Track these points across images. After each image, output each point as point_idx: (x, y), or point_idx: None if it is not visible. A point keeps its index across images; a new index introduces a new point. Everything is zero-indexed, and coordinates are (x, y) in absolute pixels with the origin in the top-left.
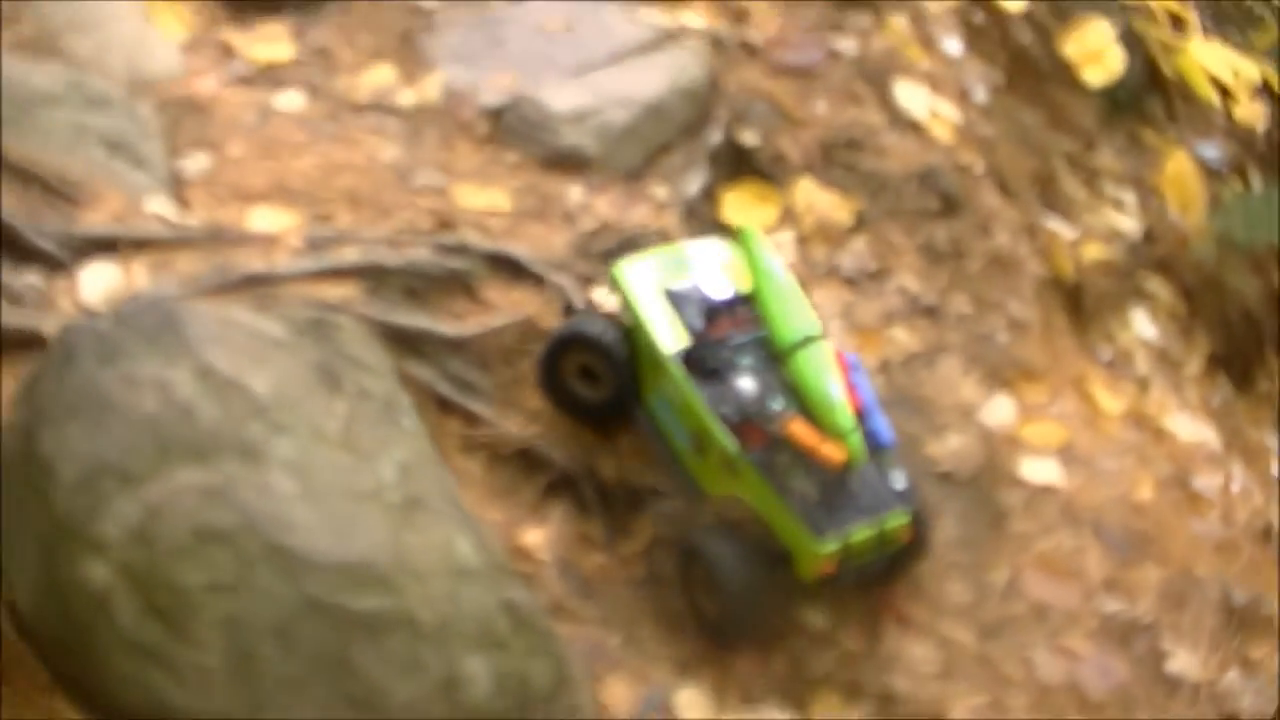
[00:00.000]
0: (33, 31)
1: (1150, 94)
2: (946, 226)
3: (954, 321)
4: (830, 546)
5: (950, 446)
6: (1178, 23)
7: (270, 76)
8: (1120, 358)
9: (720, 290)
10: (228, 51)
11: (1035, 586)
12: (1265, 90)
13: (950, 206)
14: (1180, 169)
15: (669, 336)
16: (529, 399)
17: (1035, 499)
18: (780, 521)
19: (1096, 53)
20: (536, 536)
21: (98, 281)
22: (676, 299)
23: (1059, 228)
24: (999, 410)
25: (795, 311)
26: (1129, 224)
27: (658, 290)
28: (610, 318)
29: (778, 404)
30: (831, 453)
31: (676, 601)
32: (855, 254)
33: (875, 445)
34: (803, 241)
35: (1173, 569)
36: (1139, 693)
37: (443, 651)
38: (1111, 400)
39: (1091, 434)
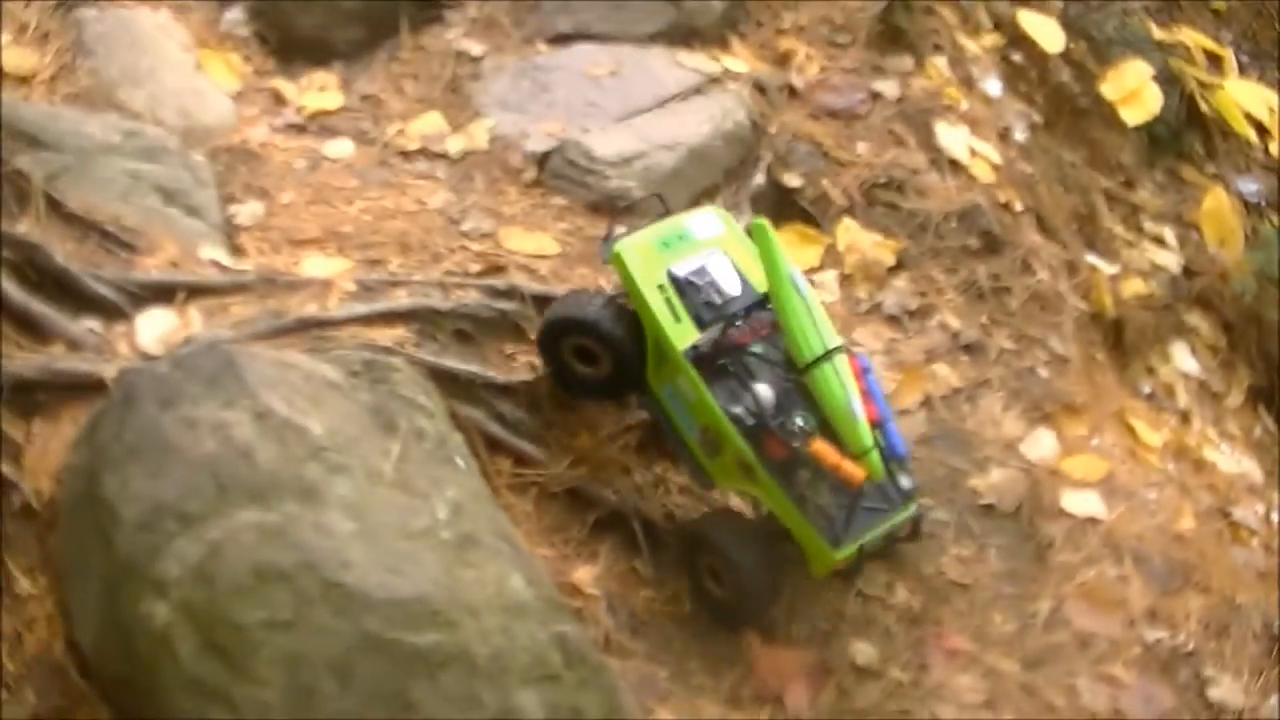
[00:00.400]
0: (88, 83)
1: (1189, 131)
2: (987, 264)
3: (996, 357)
4: (846, 553)
5: (993, 480)
6: (1214, 61)
7: (320, 124)
8: (1161, 391)
9: (730, 282)
10: (279, 100)
11: (1079, 616)
12: None
13: (991, 244)
14: (1218, 204)
15: (679, 331)
16: (578, 439)
17: (1077, 530)
18: (797, 527)
19: (1134, 92)
20: (586, 572)
21: (155, 327)
22: (683, 285)
23: (1099, 264)
24: (1041, 444)
25: (816, 323)
26: (1169, 259)
27: (661, 273)
28: (606, 297)
29: (801, 419)
30: (853, 472)
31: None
32: (898, 292)
33: (890, 456)
34: (846, 280)
35: (1214, 598)
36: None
37: (497, 685)
38: (1152, 433)
39: (1132, 466)
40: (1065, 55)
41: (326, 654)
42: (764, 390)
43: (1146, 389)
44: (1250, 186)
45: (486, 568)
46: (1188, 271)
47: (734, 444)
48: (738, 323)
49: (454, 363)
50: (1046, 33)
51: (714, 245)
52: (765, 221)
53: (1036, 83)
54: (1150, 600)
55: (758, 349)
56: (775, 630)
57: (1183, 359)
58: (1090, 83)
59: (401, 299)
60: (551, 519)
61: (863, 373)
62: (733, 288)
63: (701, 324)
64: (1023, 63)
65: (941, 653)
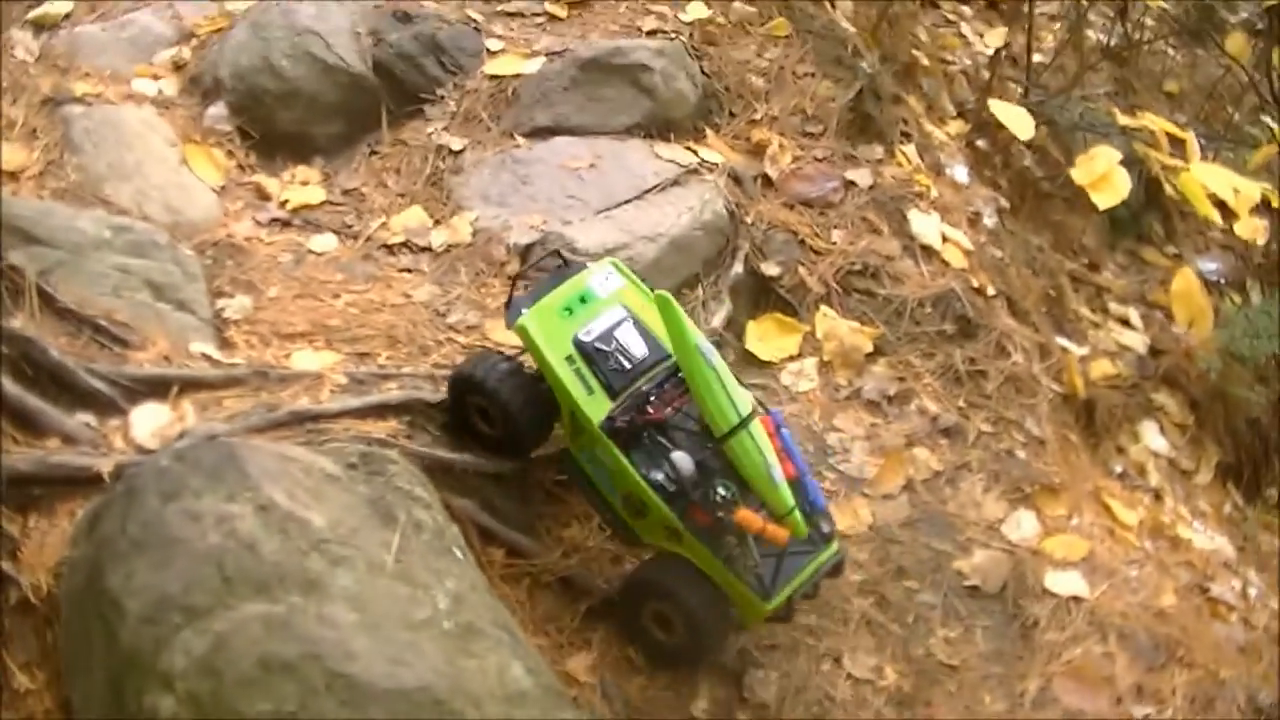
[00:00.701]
0: (76, 179)
1: (1149, 213)
2: (963, 348)
3: (974, 440)
4: (776, 602)
5: (977, 561)
6: (1176, 144)
7: (304, 218)
8: (1133, 469)
9: (637, 345)
10: (262, 195)
11: (1067, 694)
12: (1265, 206)
13: (966, 329)
14: (1187, 284)
15: (592, 404)
16: (568, 528)
17: (1061, 609)
18: (728, 585)
19: (1104, 176)
20: (581, 661)
21: (150, 421)
22: (590, 353)
23: (1069, 345)
24: (1022, 525)
25: (728, 391)
26: (1135, 339)
27: (568, 341)
28: (512, 365)
29: (723, 489)
30: (777, 534)
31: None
32: (876, 378)
33: (811, 510)
34: (825, 367)
35: (1199, 673)
36: None
37: None
38: (1128, 511)
39: (1111, 545)
40: (1027, 141)
41: None
42: (683, 460)
43: (1119, 468)
44: (1210, 265)
45: (488, 657)
46: (1154, 351)
47: (658, 510)
48: (651, 398)
49: (446, 453)
50: (1017, 120)
51: (615, 302)
52: (667, 294)
53: (1000, 168)
54: (1136, 677)
55: (674, 419)
56: (767, 715)
57: (1152, 438)
58: (1052, 167)
59: (392, 392)
60: (545, 608)
61: (776, 430)
62: (639, 350)
63: (613, 392)
64: (987, 149)
65: None
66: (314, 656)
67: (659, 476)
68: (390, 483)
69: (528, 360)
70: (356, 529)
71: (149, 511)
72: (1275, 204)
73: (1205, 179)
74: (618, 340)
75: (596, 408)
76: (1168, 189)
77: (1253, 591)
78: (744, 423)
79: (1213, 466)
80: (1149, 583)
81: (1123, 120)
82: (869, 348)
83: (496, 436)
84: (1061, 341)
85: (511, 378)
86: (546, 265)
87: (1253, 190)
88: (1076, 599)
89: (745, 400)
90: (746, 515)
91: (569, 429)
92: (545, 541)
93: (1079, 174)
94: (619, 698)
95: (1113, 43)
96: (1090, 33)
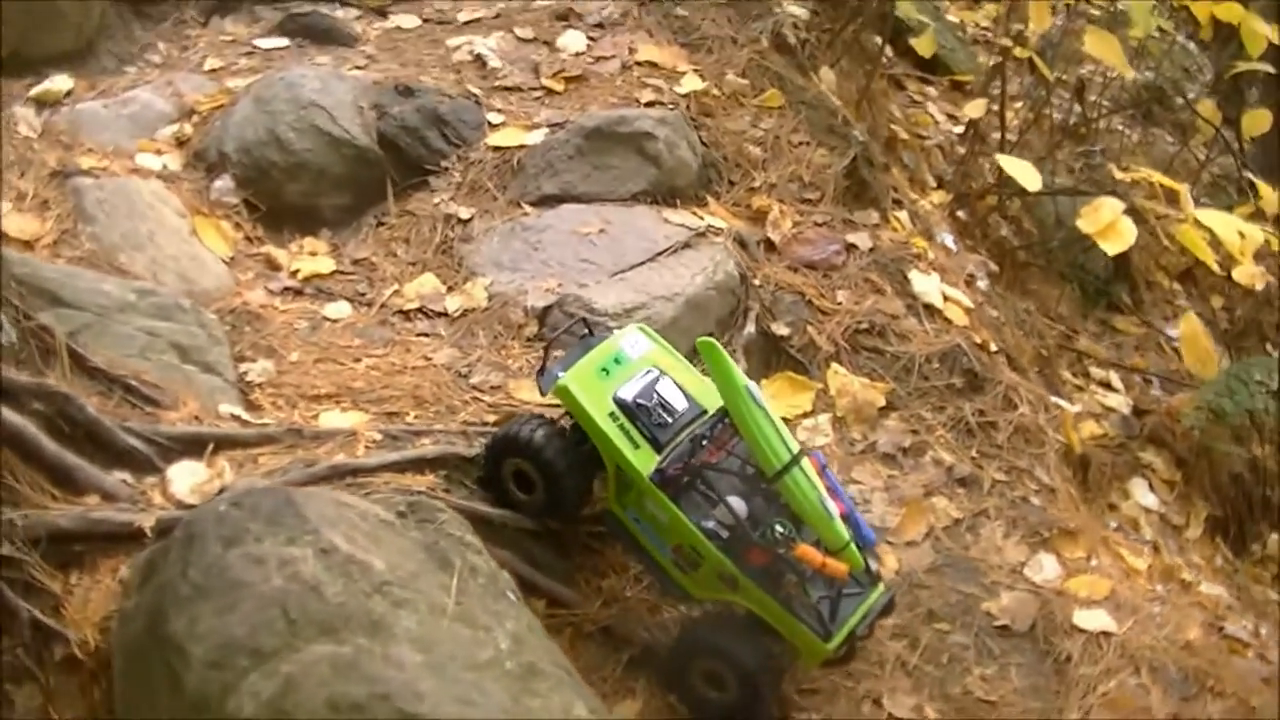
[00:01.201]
0: (91, 248)
1: (1117, 284)
2: (972, 401)
3: (989, 488)
4: (836, 642)
5: (1004, 603)
6: (1171, 198)
7: (316, 287)
8: (1127, 524)
9: (677, 399)
10: (272, 265)
11: None
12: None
13: (973, 383)
14: (1193, 329)
15: (640, 457)
16: (606, 579)
17: (1092, 644)
18: (787, 627)
19: (1111, 225)
20: (626, 709)
21: (187, 478)
22: (632, 410)
23: (1063, 404)
24: (1044, 567)
25: (777, 431)
26: (1118, 401)
27: (609, 400)
28: (550, 425)
29: (780, 527)
30: (837, 569)
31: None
32: (890, 431)
33: (861, 544)
34: (839, 423)
35: (1230, 701)
36: None
37: None
38: (1135, 559)
39: (1130, 585)
40: (1001, 210)
41: None
42: (738, 504)
43: (1113, 524)
44: (1177, 333)
45: (552, 697)
46: (1137, 411)
47: (713, 558)
48: (704, 442)
49: (485, 507)
50: (1024, 173)
51: (648, 363)
52: (711, 339)
53: (980, 238)
54: (1172, 707)
55: (719, 461)
56: None
57: (1143, 494)
58: (1027, 237)
59: (428, 447)
60: (587, 659)
61: (822, 470)
62: (680, 404)
63: (658, 446)
64: (967, 219)
65: None
66: (383, 697)
67: (711, 525)
68: (442, 529)
69: (565, 423)
70: (416, 573)
71: (211, 556)
72: (1277, 248)
73: (1210, 223)
74: (658, 395)
75: (644, 461)
76: (1163, 240)
77: (1264, 630)
78: (795, 460)
79: (1202, 521)
80: (1171, 619)
81: (1118, 174)
82: (881, 402)
83: (535, 501)
84: (1055, 400)
85: (554, 439)
86: (574, 331)
87: (1256, 234)
88: (1106, 634)
89: (792, 439)
90: (807, 550)
91: (613, 487)
92: (584, 592)
93: (1084, 224)
94: None
95: (1072, 121)
96: (1048, 111)
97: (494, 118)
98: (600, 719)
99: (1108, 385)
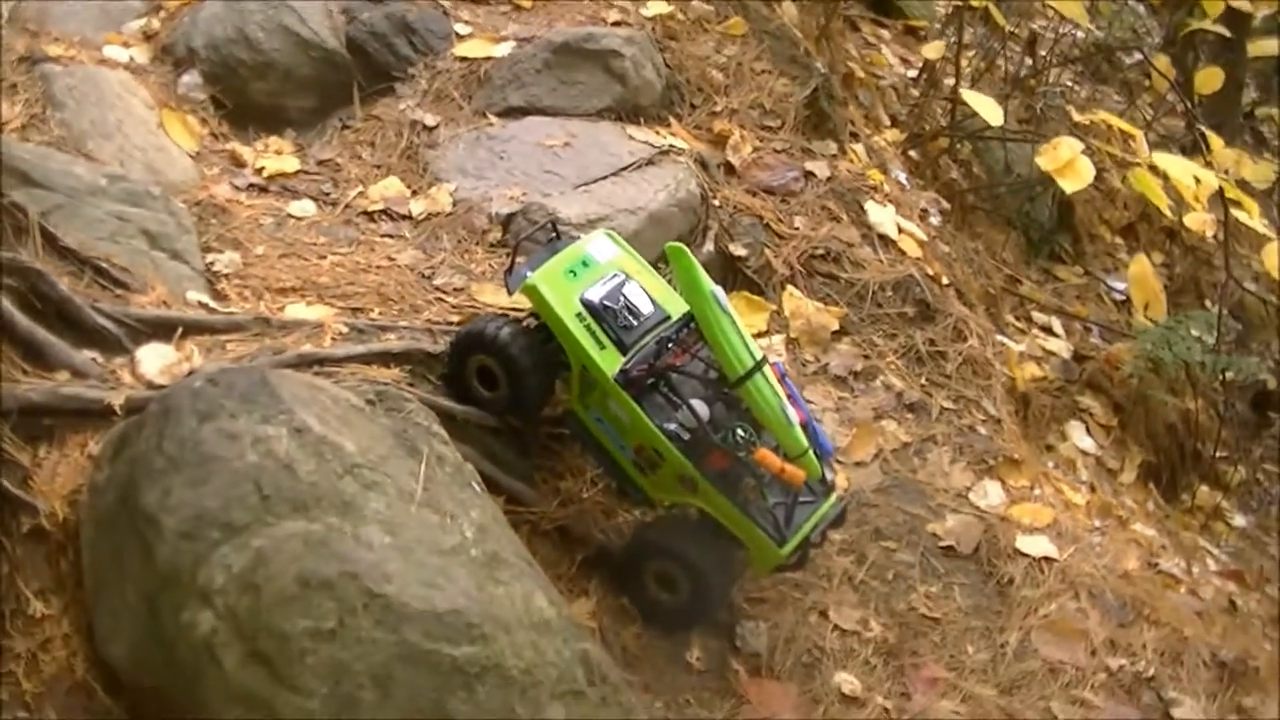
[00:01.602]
0: (60, 134)
1: (1060, 234)
2: (923, 330)
3: (938, 415)
4: (790, 548)
5: (950, 525)
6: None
7: (281, 185)
8: (1064, 465)
9: (643, 302)
10: (237, 162)
11: (1045, 646)
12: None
13: (925, 313)
14: (1143, 270)
15: (605, 358)
16: (564, 480)
17: (1034, 569)
18: (744, 531)
19: (1069, 163)
20: (581, 607)
21: (156, 359)
22: (598, 311)
23: (1008, 342)
24: (989, 493)
25: (741, 337)
26: (1059, 345)
27: (575, 301)
28: (515, 323)
29: (741, 430)
30: (795, 475)
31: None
32: (842, 355)
33: (819, 453)
34: (792, 344)
35: (1165, 630)
36: None
37: (529, 699)
38: (1074, 494)
39: (1070, 516)
40: (952, 153)
41: (368, 664)
42: (701, 407)
43: (1051, 464)
44: (1119, 285)
45: (514, 585)
46: (1077, 357)
47: (674, 459)
48: (669, 345)
49: (449, 402)
50: (987, 107)
51: (615, 267)
52: (680, 245)
53: (930, 179)
54: (1109, 632)
55: (683, 365)
56: (760, 664)
57: (1080, 437)
58: (975, 181)
59: (393, 342)
60: (543, 556)
61: (782, 379)
62: (646, 307)
63: (623, 348)
64: (919, 159)
65: (921, 681)
66: (352, 575)
67: (673, 427)
68: (409, 418)
69: (530, 322)
70: (385, 457)
71: (185, 430)
72: (1230, 194)
73: (1167, 167)
74: (625, 298)
75: (609, 362)
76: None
77: (1195, 570)
78: (758, 366)
79: (1136, 467)
80: (1109, 550)
81: (1076, 117)
82: (834, 326)
83: (498, 399)
84: (1000, 339)
85: (519, 337)
86: (540, 236)
87: (1211, 180)
88: (1048, 559)
89: (755, 346)
90: (766, 455)
91: (577, 387)
92: (542, 491)
93: (1044, 161)
94: (616, 644)
95: (1022, 73)
96: (1000, 62)
97: (461, 29)
98: (559, 609)
99: (1049, 330)
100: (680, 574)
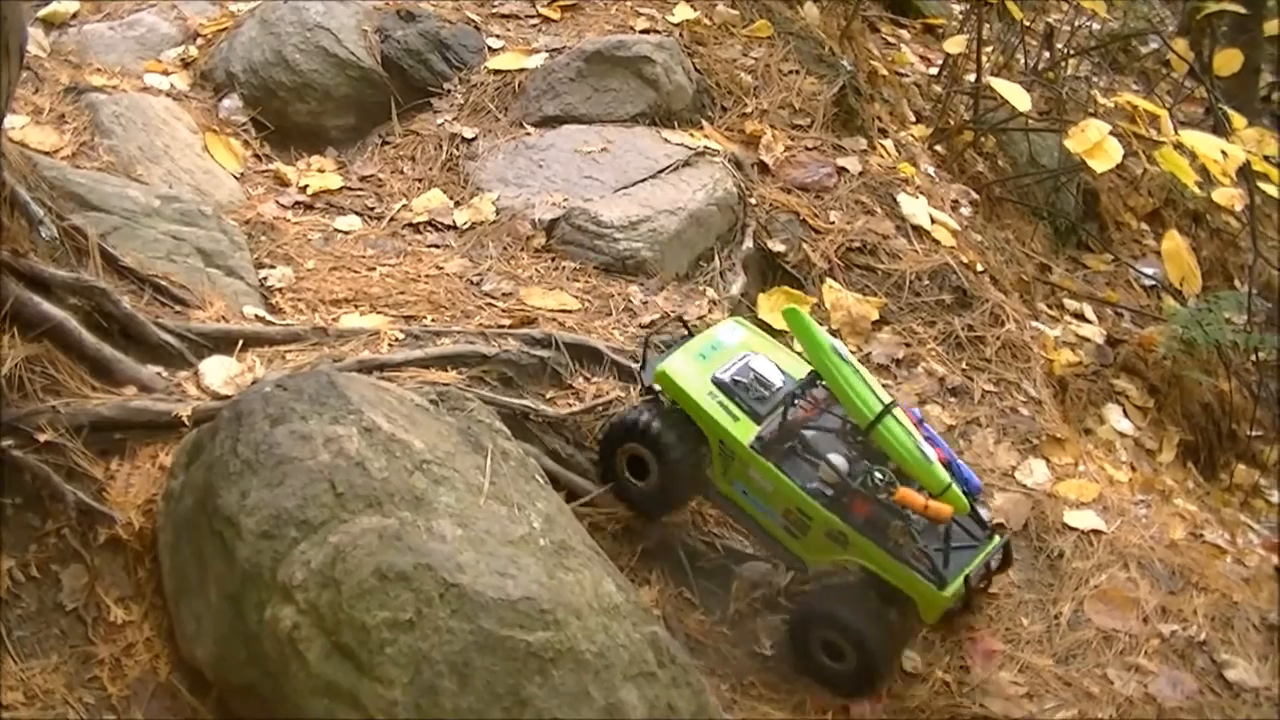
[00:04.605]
0: (109, 159)
1: (1087, 223)
2: (961, 317)
3: (980, 399)
4: (952, 590)
5: (998, 503)
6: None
7: (325, 202)
8: (1103, 449)
9: (772, 374)
10: (280, 181)
11: (1098, 615)
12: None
13: (962, 300)
14: (1176, 244)
15: (740, 428)
16: None
17: (1083, 542)
18: (899, 577)
19: (1098, 144)
20: (644, 596)
21: (219, 371)
22: (730, 387)
23: (1043, 328)
24: (1035, 472)
25: (867, 384)
26: (1092, 331)
27: (707, 380)
28: (662, 409)
29: (879, 474)
30: (939, 510)
31: (781, 657)
32: (883, 344)
33: (966, 490)
34: (834, 336)
35: (1215, 596)
36: (1210, 699)
37: (603, 682)
38: (1117, 472)
39: (1115, 491)
40: (976, 147)
41: (446, 652)
42: (837, 459)
43: (1090, 446)
44: (1149, 270)
45: (583, 573)
46: (1111, 341)
47: (820, 517)
48: (795, 402)
49: (508, 399)
50: (1015, 95)
51: (744, 349)
52: (794, 307)
53: (957, 172)
54: (1160, 599)
55: (816, 424)
56: None
57: (1117, 419)
58: (1001, 174)
59: (449, 346)
60: (605, 548)
61: (919, 423)
62: (776, 379)
63: (757, 418)
64: (945, 153)
65: (979, 654)
66: (427, 567)
67: (815, 485)
68: (472, 416)
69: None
70: (452, 453)
71: (259, 434)
72: (1257, 166)
73: (1193, 143)
74: (754, 372)
75: (744, 431)
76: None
77: (1239, 540)
78: (887, 409)
79: (1174, 446)
80: (1155, 521)
81: (1101, 101)
82: (874, 316)
83: (649, 487)
84: (1036, 325)
85: (668, 422)
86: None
87: (1238, 154)
88: (1096, 532)
89: (882, 392)
90: (907, 493)
91: (718, 464)
92: (600, 485)
93: (1072, 143)
94: (680, 631)
95: (1040, 66)
96: (1019, 55)
97: (493, 43)
98: (627, 594)
99: (1081, 316)
100: (845, 643)
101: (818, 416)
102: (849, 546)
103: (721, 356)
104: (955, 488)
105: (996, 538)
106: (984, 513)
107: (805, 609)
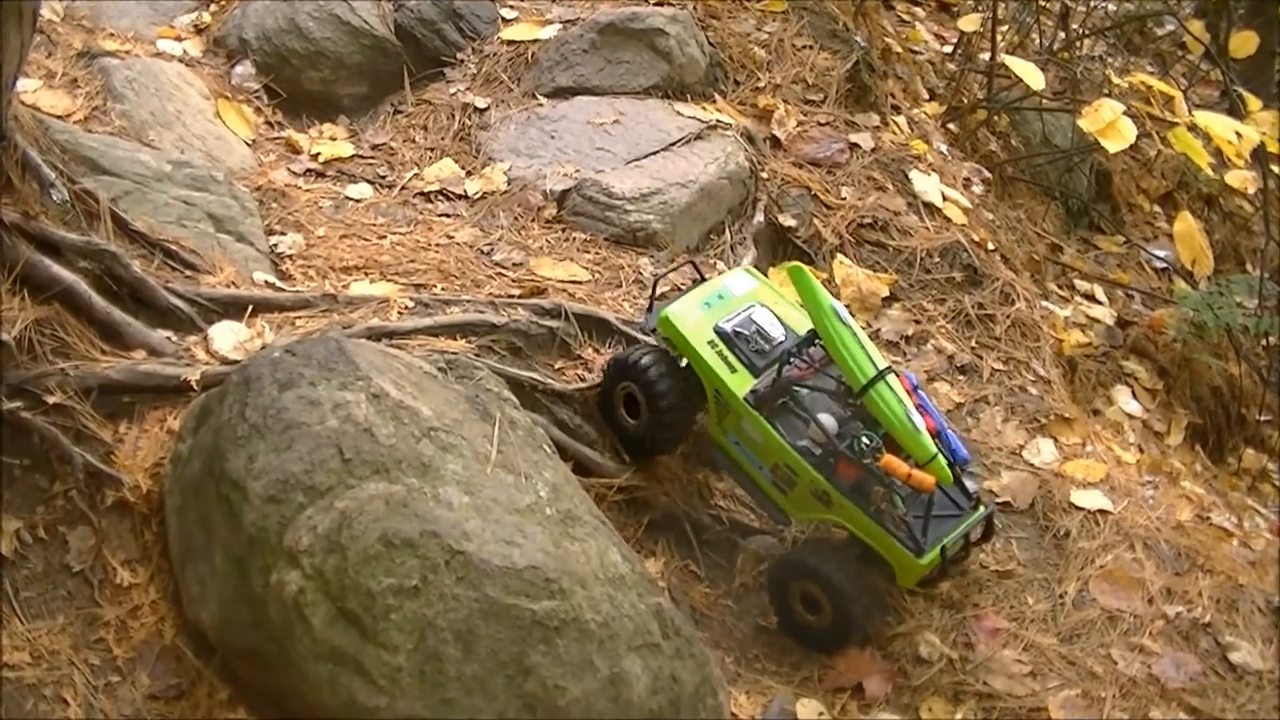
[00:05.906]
0: (121, 124)
1: (1099, 205)
2: (971, 294)
3: (989, 377)
4: (929, 558)
5: (1005, 481)
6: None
7: (337, 170)
8: (1111, 430)
9: (774, 329)
10: (292, 148)
11: (1103, 595)
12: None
13: (972, 277)
14: (1188, 226)
15: (736, 380)
16: None
17: (1089, 522)
18: (879, 541)
19: (1112, 124)
20: (650, 566)
21: (229, 336)
22: (731, 338)
23: (1053, 308)
24: (1043, 451)
25: (864, 347)
26: (1102, 312)
27: (709, 330)
28: (663, 353)
29: (867, 438)
30: (923, 479)
31: (778, 623)
32: (893, 320)
33: (953, 461)
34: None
35: (1220, 578)
36: (1213, 681)
37: (607, 651)
38: (1125, 453)
39: (1122, 472)
40: (990, 125)
41: (451, 620)
42: (827, 419)
43: (1098, 428)
44: (1160, 253)
45: (589, 542)
46: (1121, 323)
47: (807, 475)
48: (791, 360)
49: (516, 370)
50: (1029, 73)
51: (750, 299)
52: (798, 264)
53: (970, 152)
54: (1165, 581)
55: (811, 383)
56: None
57: (1126, 401)
58: (1013, 152)
59: (458, 314)
60: (611, 519)
61: (913, 389)
62: (777, 333)
63: (755, 371)
64: (958, 131)
65: (984, 632)
66: (433, 534)
67: (804, 443)
68: (480, 385)
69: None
70: (459, 421)
71: (267, 398)
72: (1272, 148)
73: (1208, 125)
74: (756, 324)
75: (740, 383)
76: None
77: (1246, 524)
78: (881, 375)
79: (1182, 429)
80: (1162, 503)
81: (1115, 81)
82: (885, 293)
83: (640, 425)
84: (1046, 305)
85: (661, 365)
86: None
87: (1253, 134)
88: (1103, 512)
89: (879, 357)
90: (892, 460)
91: (714, 412)
92: (608, 457)
93: (1086, 123)
94: (685, 602)
95: (1055, 45)
96: (1034, 35)
97: (507, 14)
98: (633, 565)
99: (1092, 297)
100: (823, 595)
101: (815, 376)
102: (832, 506)
103: (727, 306)
104: (941, 460)
105: (980, 509)
106: (970, 484)
107: (787, 560)
